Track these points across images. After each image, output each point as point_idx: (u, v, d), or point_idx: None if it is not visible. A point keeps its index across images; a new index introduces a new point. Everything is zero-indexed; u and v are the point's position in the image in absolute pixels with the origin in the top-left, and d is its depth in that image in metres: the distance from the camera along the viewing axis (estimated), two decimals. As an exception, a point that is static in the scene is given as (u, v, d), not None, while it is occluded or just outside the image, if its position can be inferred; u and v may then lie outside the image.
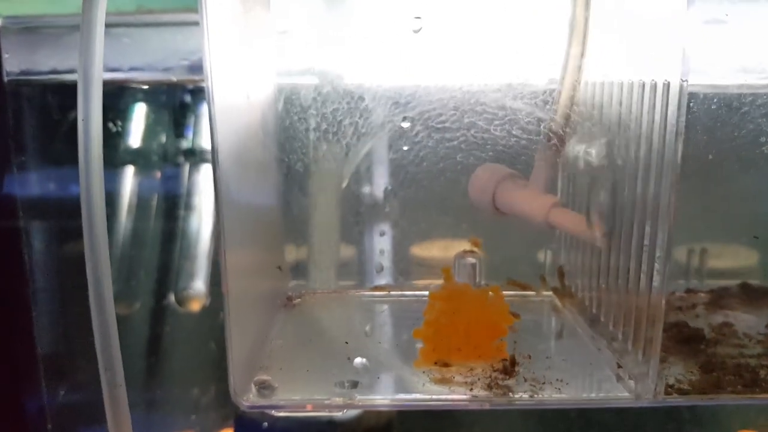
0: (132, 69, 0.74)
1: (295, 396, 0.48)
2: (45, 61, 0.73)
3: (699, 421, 0.84)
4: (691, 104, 0.66)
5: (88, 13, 0.44)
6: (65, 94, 0.76)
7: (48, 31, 0.73)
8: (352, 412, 0.83)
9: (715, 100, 0.66)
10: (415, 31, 0.52)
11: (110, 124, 0.82)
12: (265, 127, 0.61)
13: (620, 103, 0.53)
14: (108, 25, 0.74)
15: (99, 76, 0.46)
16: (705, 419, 0.84)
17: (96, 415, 0.50)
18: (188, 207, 0.85)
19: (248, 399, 0.47)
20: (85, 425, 0.81)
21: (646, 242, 0.48)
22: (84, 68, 0.46)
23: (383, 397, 0.48)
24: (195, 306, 0.84)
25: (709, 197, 0.71)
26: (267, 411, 0.48)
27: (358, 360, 0.52)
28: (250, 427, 0.84)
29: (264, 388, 0.47)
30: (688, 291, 0.71)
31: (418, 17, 0.52)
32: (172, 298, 0.86)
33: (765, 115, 0.65)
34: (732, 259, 0.75)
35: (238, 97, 0.52)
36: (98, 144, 0.47)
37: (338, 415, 0.81)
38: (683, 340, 0.58)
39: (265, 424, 0.83)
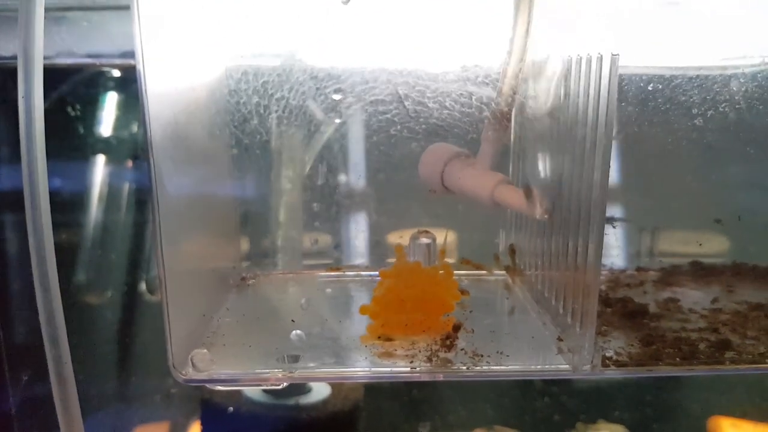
0: (91, 53, 0.74)
1: (235, 370, 0.48)
2: (4, 46, 0.73)
3: (673, 408, 0.85)
4: (638, 85, 0.67)
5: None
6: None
7: (5, 14, 0.72)
8: (317, 396, 0.84)
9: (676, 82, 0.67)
10: (344, 2, 0.52)
11: (75, 111, 0.82)
12: (213, 111, 0.61)
13: (561, 79, 0.53)
14: (64, 9, 0.74)
15: (39, 54, 0.46)
16: (679, 406, 0.85)
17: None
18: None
19: (186, 373, 0.47)
20: (50, 414, 0.81)
21: (581, 217, 0.49)
22: (24, 48, 0.46)
23: (322, 370, 0.49)
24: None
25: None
26: (206, 385, 0.48)
27: (294, 333, 0.52)
28: (215, 412, 0.84)
29: (201, 362, 0.47)
30: (639, 269, 0.72)
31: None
32: (143, 286, 0.86)
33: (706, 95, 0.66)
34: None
35: (179, 82, 0.52)
36: (40, 123, 0.48)
37: (302, 398, 0.81)
38: (627, 314, 0.58)
39: (231, 409, 0.84)
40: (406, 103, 0.52)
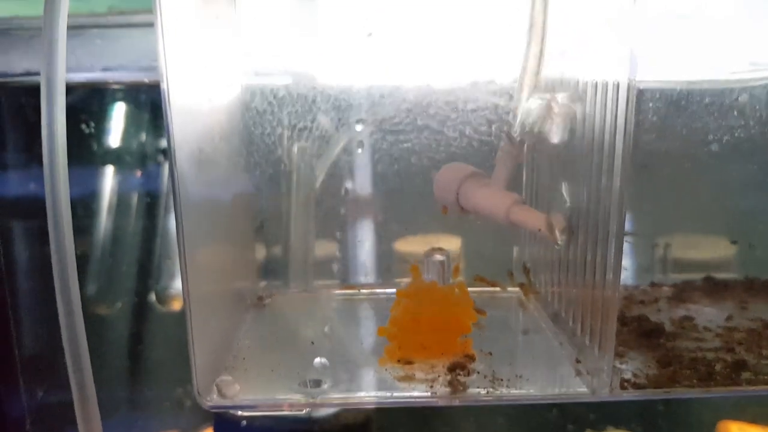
0: (105, 69, 0.74)
1: (258, 396, 0.49)
2: (18, 63, 0.73)
3: (681, 412, 0.85)
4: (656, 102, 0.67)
5: (50, 12, 0.44)
6: (39, 95, 0.76)
7: (19, 33, 0.73)
8: (329, 409, 0.84)
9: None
10: (368, 35, 0.52)
11: (88, 125, 0.82)
12: (231, 127, 0.62)
13: (576, 103, 0.53)
14: (80, 27, 0.75)
15: (62, 74, 0.46)
16: (688, 411, 0.85)
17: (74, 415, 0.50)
18: (168, 206, 0.85)
19: (211, 399, 0.47)
20: (64, 426, 0.82)
21: (599, 237, 0.49)
22: (47, 67, 0.46)
23: (344, 396, 0.49)
24: (176, 305, 0.85)
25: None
26: (231, 411, 0.48)
27: (317, 360, 0.53)
28: (228, 425, 0.84)
29: (228, 389, 0.47)
30: (652, 284, 0.72)
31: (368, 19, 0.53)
32: (153, 297, 0.86)
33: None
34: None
35: (198, 97, 0.52)
36: (62, 143, 0.48)
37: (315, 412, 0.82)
38: (643, 333, 0.59)
39: (244, 422, 0.84)
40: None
